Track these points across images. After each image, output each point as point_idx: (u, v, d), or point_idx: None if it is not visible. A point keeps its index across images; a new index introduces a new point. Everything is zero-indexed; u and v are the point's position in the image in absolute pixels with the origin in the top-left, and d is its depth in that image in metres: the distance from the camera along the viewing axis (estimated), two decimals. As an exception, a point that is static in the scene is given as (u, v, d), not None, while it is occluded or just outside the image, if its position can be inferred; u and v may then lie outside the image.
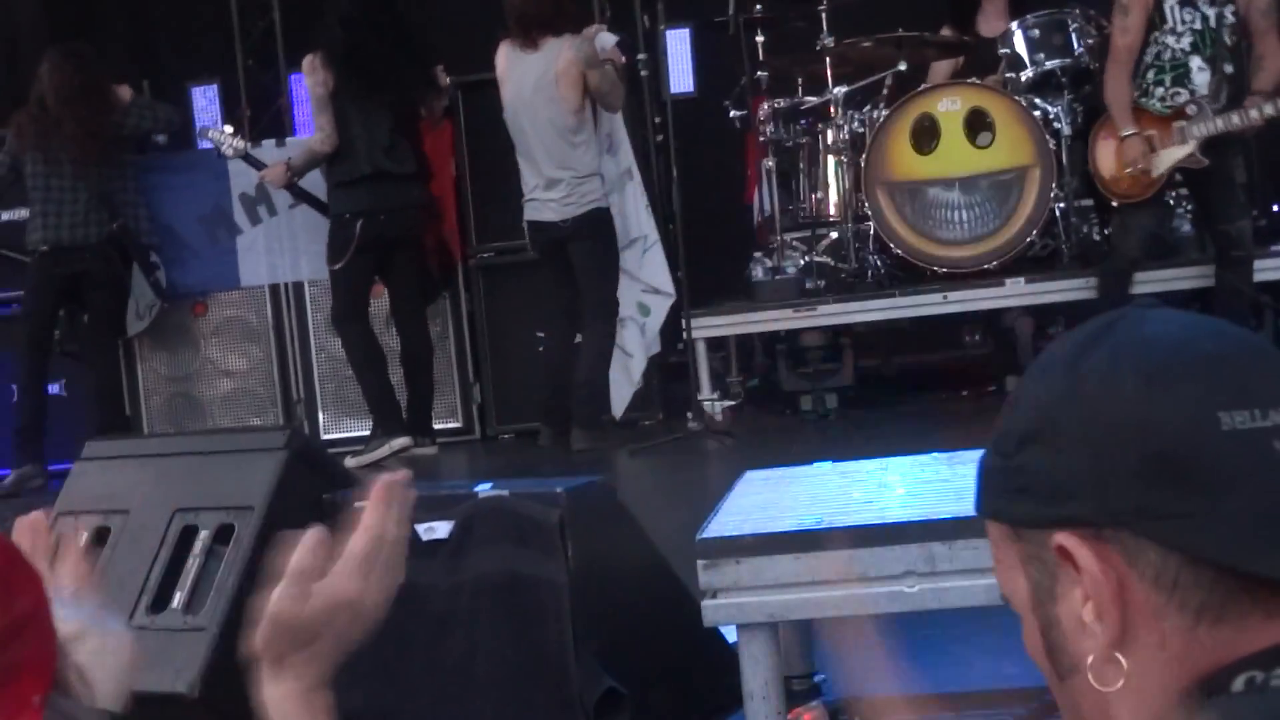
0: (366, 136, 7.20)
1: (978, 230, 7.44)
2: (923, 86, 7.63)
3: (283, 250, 8.00)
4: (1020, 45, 7.61)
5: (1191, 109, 6.59)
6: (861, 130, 7.76)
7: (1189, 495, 0.99)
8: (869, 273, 7.66)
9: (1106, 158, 6.78)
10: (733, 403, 7.47)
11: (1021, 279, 7.26)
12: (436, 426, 7.60)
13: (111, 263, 7.65)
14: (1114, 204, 6.86)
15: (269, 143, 8.04)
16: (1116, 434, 1.01)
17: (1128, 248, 6.80)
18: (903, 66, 7.73)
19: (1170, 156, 6.63)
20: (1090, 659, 1.03)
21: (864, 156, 7.57)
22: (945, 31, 8.02)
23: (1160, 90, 6.65)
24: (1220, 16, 6.56)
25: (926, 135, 7.54)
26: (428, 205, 7.49)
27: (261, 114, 9.48)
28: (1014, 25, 7.61)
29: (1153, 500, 1.00)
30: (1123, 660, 1.02)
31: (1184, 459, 1.00)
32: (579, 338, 7.22)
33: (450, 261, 7.89)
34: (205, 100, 9.38)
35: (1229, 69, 6.67)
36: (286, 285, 8.05)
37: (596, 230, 7.16)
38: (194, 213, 8.10)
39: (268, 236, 8.04)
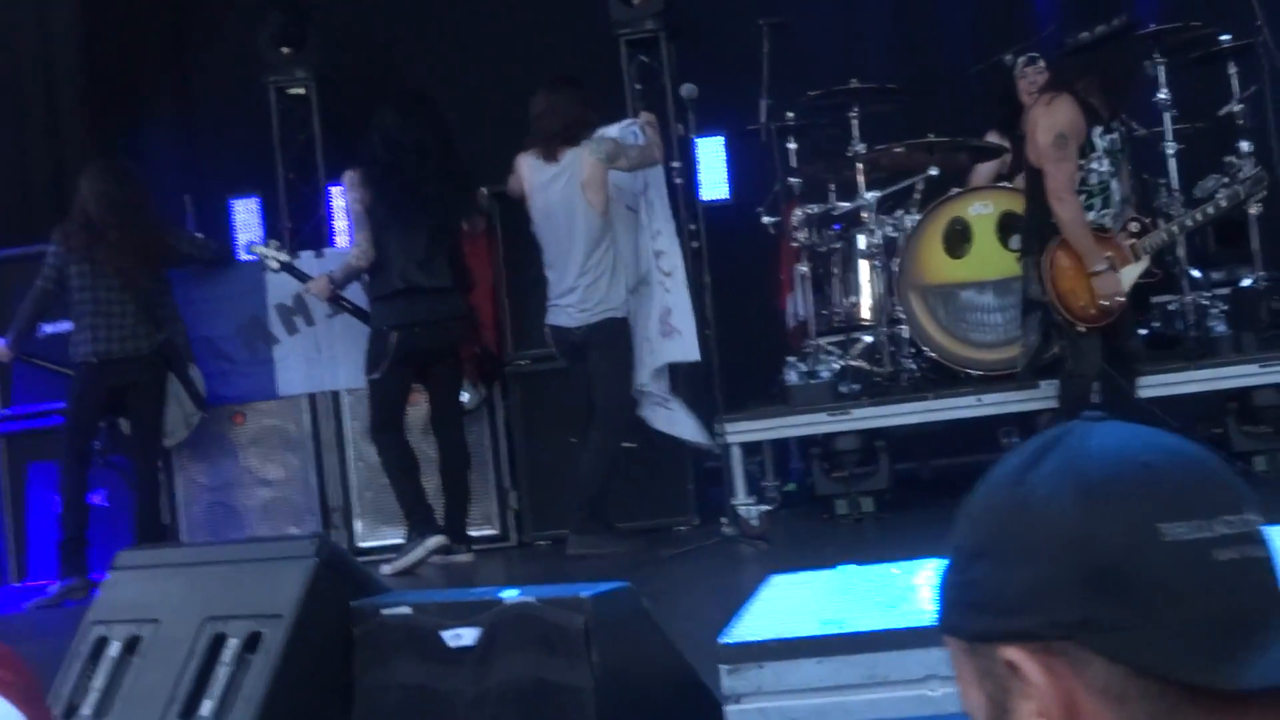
0: (403, 252, 7.30)
1: (1011, 333, 7.45)
2: (954, 191, 7.68)
3: (320, 360, 8.09)
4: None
5: (1134, 225, 6.70)
6: (894, 235, 7.81)
7: (1132, 607, 1.00)
8: (903, 376, 7.68)
9: (1070, 285, 6.59)
10: (768, 507, 7.46)
11: (1055, 381, 7.25)
12: (472, 534, 7.63)
13: (159, 373, 7.73)
14: (1079, 329, 6.70)
15: (308, 254, 8.15)
16: (1060, 548, 1.03)
17: (1088, 367, 6.72)
18: (935, 171, 7.79)
19: (1131, 275, 6.70)
20: None
21: (897, 261, 7.62)
22: (991, 135, 8.09)
23: (1092, 214, 6.69)
24: (1120, 136, 6.79)
25: (959, 239, 7.59)
26: (466, 316, 7.56)
27: (302, 226, 9.64)
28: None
29: (1097, 613, 1.01)
30: None
31: (1126, 571, 1.01)
32: None
33: (494, 368, 7.96)
34: (246, 213, 9.54)
35: (1132, 180, 6.91)
36: (324, 394, 8.13)
37: (610, 339, 7.28)
38: (231, 324, 8.20)
39: (305, 346, 8.13)
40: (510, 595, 3.11)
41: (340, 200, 9.20)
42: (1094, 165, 6.70)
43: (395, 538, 7.56)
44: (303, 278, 7.74)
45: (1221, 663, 0.99)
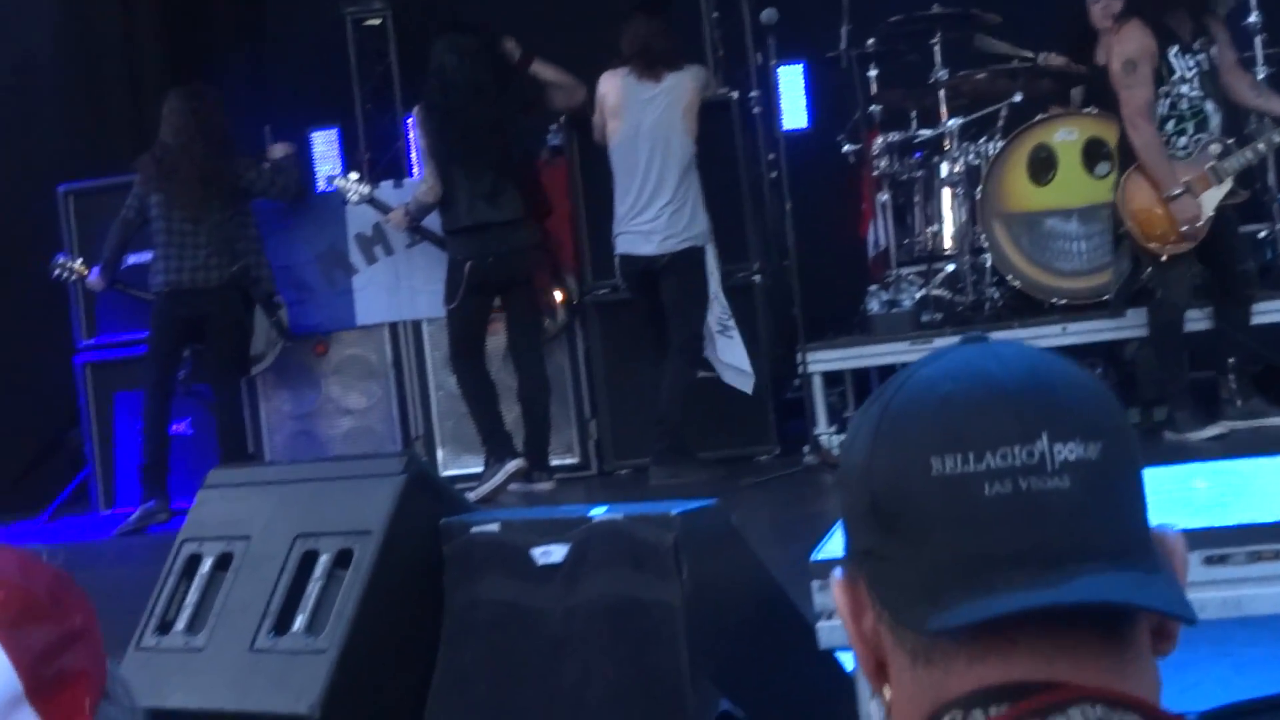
0: (469, 188, 7.31)
1: (1097, 261, 7.35)
2: (1039, 116, 7.56)
3: (399, 289, 8.10)
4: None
5: (1215, 147, 6.52)
6: (977, 163, 7.71)
7: (893, 540, 0.99)
8: (986, 305, 7.60)
9: (1146, 212, 6.55)
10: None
11: (1143, 309, 7.16)
12: (553, 463, 7.64)
13: (232, 306, 7.76)
14: (1162, 258, 6.62)
15: (387, 184, 8.16)
16: (854, 478, 1.03)
17: (1178, 296, 6.62)
18: (1018, 98, 7.67)
19: (1212, 199, 6.56)
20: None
21: (980, 189, 7.53)
22: (1059, 60, 7.96)
23: (1183, 139, 6.56)
24: (1209, 58, 6.58)
25: (1043, 166, 7.48)
26: (539, 245, 7.55)
27: (380, 156, 9.65)
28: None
29: (874, 543, 1.01)
30: (886, 693, 1.03)
31: (895, 504, 1.00)
32: None
33: (571, 296, 7.94)
34: (325, 144, 9.56)
35: (1226, 105, 6.64)
36: (405, 324, 8.15)
37: (690, 267, 7.26)
38: (310, 254, 8.23)
39: (384, 276, 8.15)
40: (598, 513, 3.10)
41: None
42: (1182, 90, 6.57)
43: (477, 466, 7.58)
44: (384, 209, 7.76)
45: (922, 605, 0.97)
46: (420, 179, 7.65)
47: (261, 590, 3.22)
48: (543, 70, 7.60)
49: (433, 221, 7.69)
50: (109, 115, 9.53)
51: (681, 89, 7.27)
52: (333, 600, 3.13)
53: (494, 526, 3.20)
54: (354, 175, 8.00)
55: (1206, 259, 6.63)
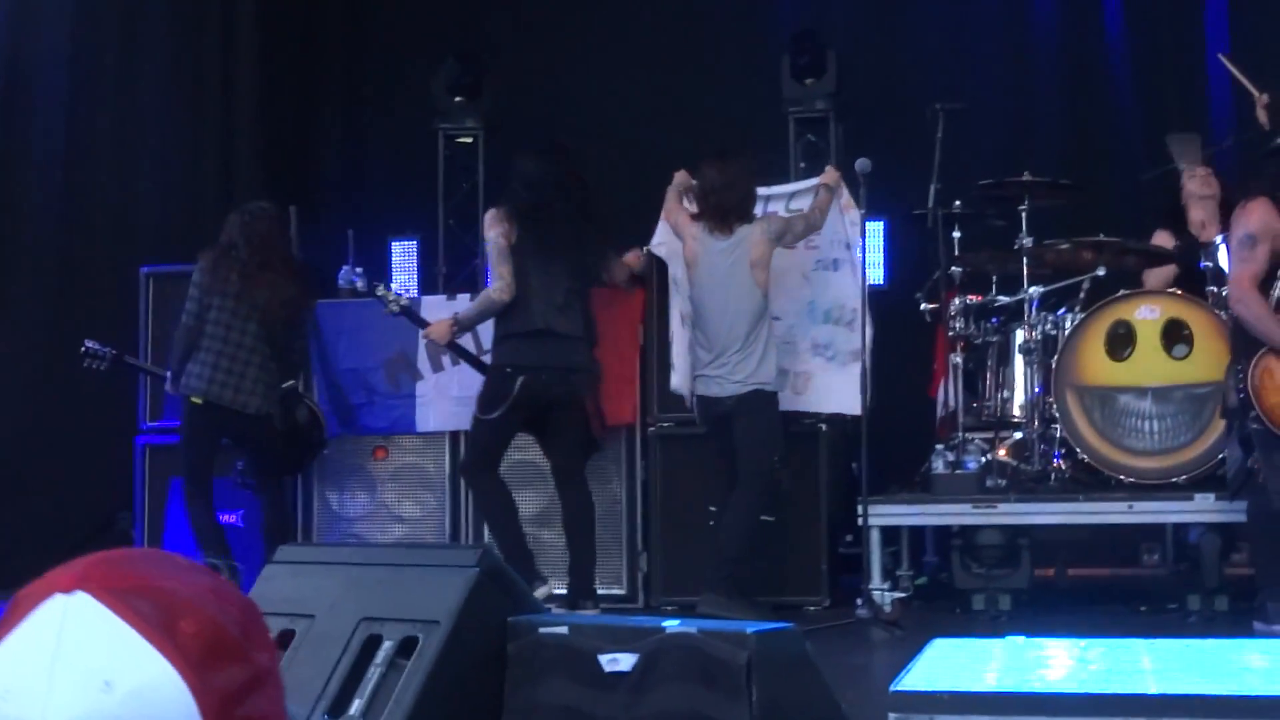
0: (543, 293, 7.25)
1: (1168, 442, 7.28)
2: (1122, 292, 7.53)
3: (462, 399, 8.09)
4: (1225, 258, 7.50)
5: None
6: (1054, 332, 7.69)
7: None
8: (1051, 476, 7.52)
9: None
10: (903, 594, 7.33)
11: (1211, 495, 7.06)
12: (599, 592, 7.55)
13: (268, 427, 7.59)
14: None
15: (436, 298, 8.20)
16: None
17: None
18: (1101, 272, 7.66)
19: None
20: None
21: (1055, 358, 7.49)
22: (1160, 237, 7.94)
23: None
24: None
25: (1121, 342, 7.44)
26: (592, 369, 7.49)
27: (457, 271, 9.73)
28: (1218, 238, 7.50)
29: None
30: None
31: None
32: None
33: (602, 428, 7.76)
34: (404, 253, 9.65)
35: None
36: (466, 435, 8.13)
37: (759, 407, 7.23)
38: (379, 358, 8.25)
39: (449, 385, 8.15)
40: (672, 625, 3.05)
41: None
42: None
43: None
44: (421, 324, 7.67)
45: None
46: (490, 284, 7.48)
47: (321, 671, 3.17)
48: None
49: (467, 343, 7.66)
50: (199, 206, 9.64)
51: (751, 241, 7.25)
52: (392, 688, 3.08)
53: (563, 629, 3.15)
54: (394, 285, 7.97)
55: None
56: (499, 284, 7.30)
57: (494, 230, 7.37)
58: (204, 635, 1.15)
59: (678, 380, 7.73)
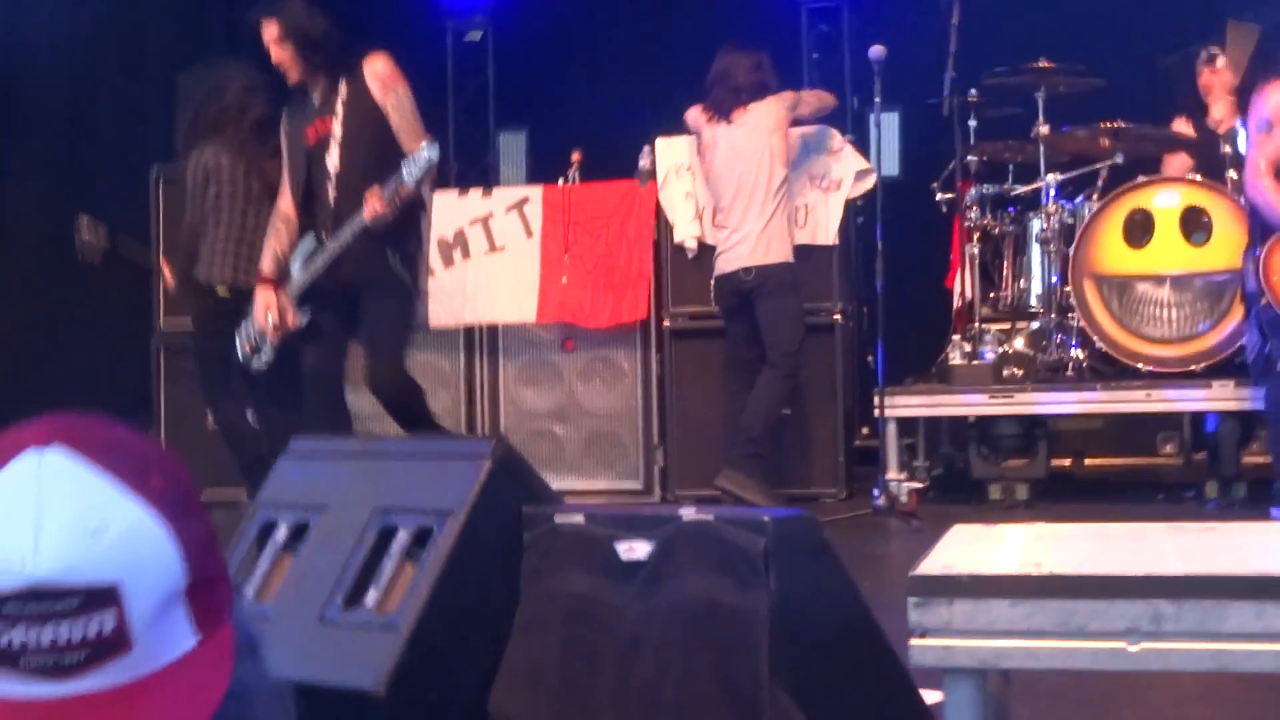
0: None
1: (1187, 330, 7.23)
2: (1139, 179, 7.44)
3: (474, 294, 8.04)
4: (1244, 143, 7.39)
5: None
6: (1071, 221, 7.61)
7: None
8: (1069, 365, 7.48)
9: None
10: (919, 485, 7.32)
11: (1231, 382, 7.02)
12: (617, 486, 7.55)
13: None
14: None
15: (450, 193, 8.08)
16: None
17: None
18: (1119, 159, 7.56)
19: None
20: None
21: (1073, 247, 7.41)
22: (1179, 124, 7.83)
23: None
24: None
25: (1139, 230, 7.37)
26: None
27: (469, 169, 9.65)
28: (1239, 123, 7.40)
29: None
30: None
31: None
32: None
33: None
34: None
35: None
36: (481, 332, 8.10)
37: (781, 285, 7.26)
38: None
39: (461, 279, 8.09)
40: (688, 513, 3.02)
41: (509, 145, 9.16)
42: None
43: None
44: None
45: None
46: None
47: (335, 562, 3.15)
48: None
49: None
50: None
51: (765, 114, 7.31)
52: (408, 578, 3.06)
53: (579, 518, 3.12)
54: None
55: None
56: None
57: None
58: (172, 489, 1.19)
59: (683, 231, 7.75)
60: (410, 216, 6.03)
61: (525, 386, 7.88)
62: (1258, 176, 6.30)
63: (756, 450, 7.11)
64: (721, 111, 7.37)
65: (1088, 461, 8.48)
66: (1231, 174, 7.27)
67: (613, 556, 3.05)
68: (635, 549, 3.04)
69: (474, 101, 9.98)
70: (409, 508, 3.16)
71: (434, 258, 8.16)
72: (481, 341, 8.12)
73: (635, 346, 7.96)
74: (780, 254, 7.27)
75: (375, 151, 5.93)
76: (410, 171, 5.80)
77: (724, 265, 7.35)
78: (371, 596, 3.07)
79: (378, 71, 6.12)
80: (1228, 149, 7.38)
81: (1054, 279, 7.64)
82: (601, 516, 3.13)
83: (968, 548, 3.05)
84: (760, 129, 7.31)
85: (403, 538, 3.11)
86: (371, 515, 3.18)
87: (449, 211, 7.91)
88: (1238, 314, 6.98)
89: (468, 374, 8.12)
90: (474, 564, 3.08)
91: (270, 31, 6.12)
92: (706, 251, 7.68)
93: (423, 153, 5.83)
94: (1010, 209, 8.00)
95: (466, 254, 8.09)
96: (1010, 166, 8.09)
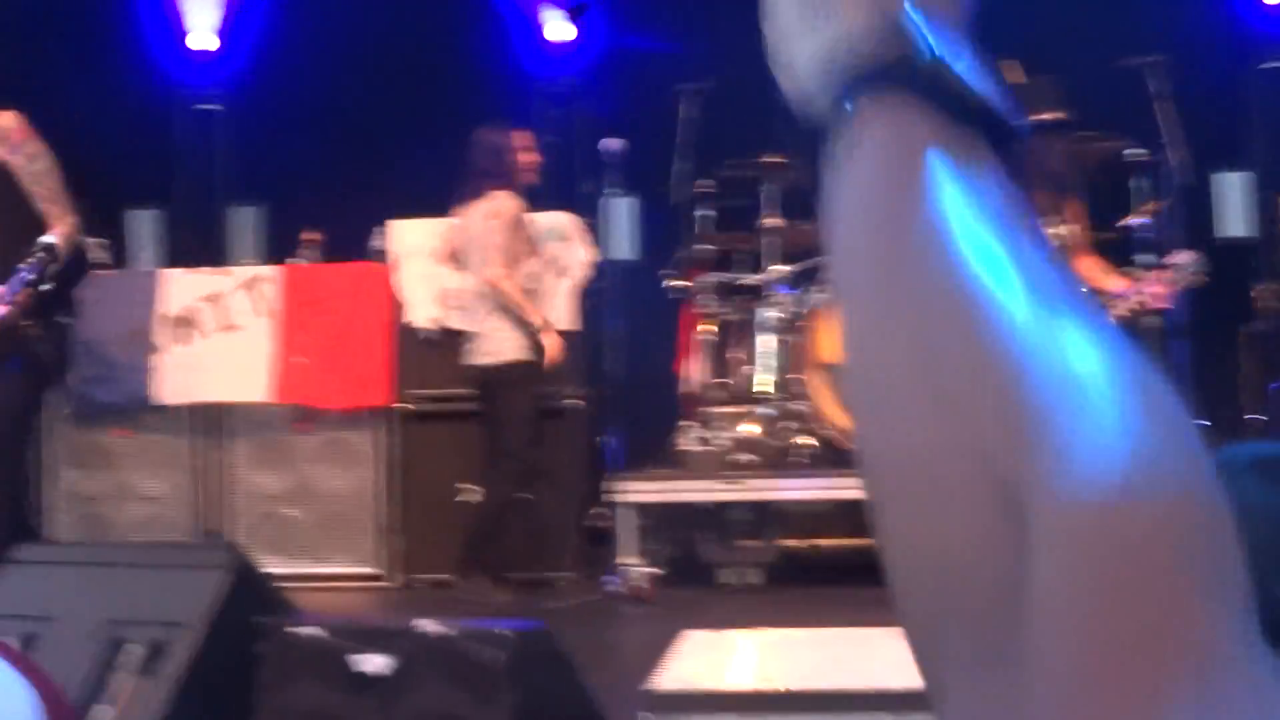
0: None
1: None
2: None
3: (206, 373, 7.91)
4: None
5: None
6: (797, 309, 7.84)
7: None
8: (798, 451, 7.67)
9: None
10: (656, 570, 7.41)
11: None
12: (354, 570, 7.47)
13: None
14: None
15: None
16: None
17: None
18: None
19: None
20: None
21: (799, 336, 7.64)
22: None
23: None
24: (1060, 236, 6.73)
25: (862, 320, 7.62)
26: None
27: (199, 245, 9.49)
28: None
29: None
30: None
31: None
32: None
33: None
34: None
35: None
36: (209, 411, 7.95)
37: (513, 382, 7.18)
38: (117, 329, 7.98)
39: (189, 357, 7.94)
40: (429, 626, 3.03)
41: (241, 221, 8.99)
42: None
43: (276, 565, 7.38)
44: None
45: None
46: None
47: (63, 677, 3.07)
48: None
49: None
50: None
51: (504, 211, 7.26)
52: (140, 694, 3.00)
53: (315, 629, 3.11)
54: None
55: None
56: None
57: None
58: (49, 684, 1.23)
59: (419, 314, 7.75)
60: (58, 294, 5.63)
61: (257, 468, 7.75)
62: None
63: (483, 555, 7.12)
64: (462, 197, 7.35)
65: (820, 543, 8.69)
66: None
67: (349, 670, 3.04)
68: (375, 661, 3.03)
69: (204, 175, 9.83)
70: (140, 620, 3.10)
71: (164, 334, 8.00)
72: (211, 421, 7.97)
73: (370, 428, 7.91)
74: (511, 353, 7.23)
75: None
76: (25, 276, 5.38)
77: (469, 358, 7.33)
78: (105, 712, 3.00)
79: (3, 128, 5.67)
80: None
81: (782, 366, 7.85)
82: (339, 628, 3.12)
83: (701, 658, 3.13)
84: (490, 226, 7.27)
85: (135, 651, 3.05)
86: (101, 628, 3.11)
87: (179, 288, 7.77)
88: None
89: (197, 454, 7.95)
90: (208, 679, 3.03)
91: None
92: (447, 337, 7.66)
93: (40, 243, 5.38)
94: (739, 297, 8.20)
95: (198, 331, 7.95)
96: (739, 256, 8.30)
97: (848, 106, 0.71)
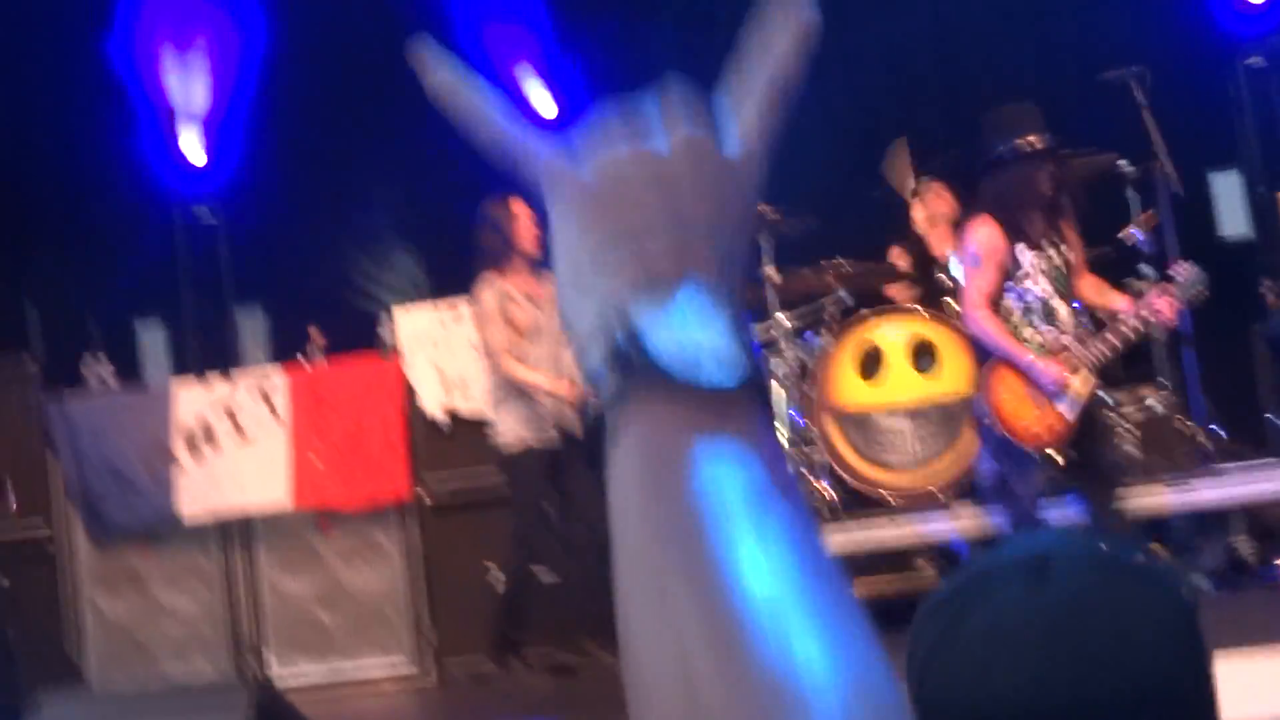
0: None
1: (925, 455, 7.48)
2: (863, 311, 7.72)
3: (226, 484, 7.93)
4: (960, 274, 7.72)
5: (1066, 339, 6.54)
6: (806, 358, 7.82)
7: None
8: (817, 500, 7.65)
9: (1014, 404, 6.41)
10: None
11: (971, 503, 7.27)
12: (391, 671, 7.43)
13: None
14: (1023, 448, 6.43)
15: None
16: None
17: (1026, 487, 6.59)
18: (843, 294, 7.82)
19: (1083, 384, 6.51)
20: None
21: (811, 385, 7.63)
22: (894, 254, 8.15)
23: (1029, 330, 6.54)
24: (1062, 256, 6.62)
25: (872, 363, 7.63)
26: None
27: (208, 351, 9.54)
28: (951, 252, 7.69)
29: None
30: None
31: None
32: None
33: None
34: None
35: (1076, 303, 6.67)
36: (236, 524, 7.96)
37: (502, 468, 7.14)
38: (132, 447, 8.01)
39: (208, 472, 7.96)
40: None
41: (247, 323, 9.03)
42: (1028, 285, 6.54)
43: (311, 671, 7.39)
44: None
45: None
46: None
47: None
48: None
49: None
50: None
51: (473, 300, 7.22)
52: None
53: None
54: None
55: (1076, 446, 6.55)
56: None
57: None
58: None
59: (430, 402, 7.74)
60: None
61: (285, 574, 7.75)
62: (974, 308, 6.55)
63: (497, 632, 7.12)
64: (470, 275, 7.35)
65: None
66: (949, 301, 7.57)
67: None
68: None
69: (207, 282, 9.88)
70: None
71: (180, 450, 8.03)
72: (234, 531, 7.97)
73: (394, 523, 7.90)
74: (502, 443, 7.12)
75: None
76: None
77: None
78: None
79: None
80: (942, 276, 7.70)
81: (797, 417, 7.84)
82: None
83: None
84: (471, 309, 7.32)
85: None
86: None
87: (191, 399, 7.79)
88: (971, 438, 7.22)
89: (223, 566, 7.96)
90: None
91: None
92: (461, 422, 7.66)
93: None
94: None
95: (214, 444, 7.97)
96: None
97: (615, 389, 0.77)
